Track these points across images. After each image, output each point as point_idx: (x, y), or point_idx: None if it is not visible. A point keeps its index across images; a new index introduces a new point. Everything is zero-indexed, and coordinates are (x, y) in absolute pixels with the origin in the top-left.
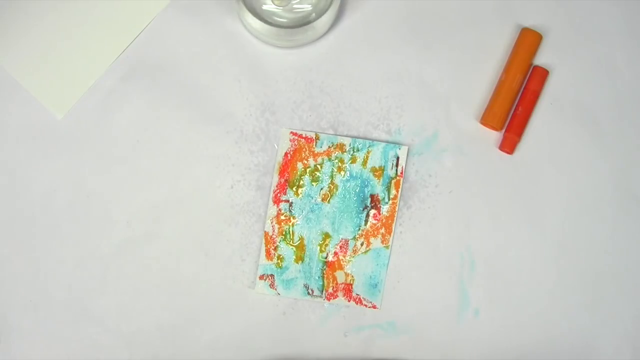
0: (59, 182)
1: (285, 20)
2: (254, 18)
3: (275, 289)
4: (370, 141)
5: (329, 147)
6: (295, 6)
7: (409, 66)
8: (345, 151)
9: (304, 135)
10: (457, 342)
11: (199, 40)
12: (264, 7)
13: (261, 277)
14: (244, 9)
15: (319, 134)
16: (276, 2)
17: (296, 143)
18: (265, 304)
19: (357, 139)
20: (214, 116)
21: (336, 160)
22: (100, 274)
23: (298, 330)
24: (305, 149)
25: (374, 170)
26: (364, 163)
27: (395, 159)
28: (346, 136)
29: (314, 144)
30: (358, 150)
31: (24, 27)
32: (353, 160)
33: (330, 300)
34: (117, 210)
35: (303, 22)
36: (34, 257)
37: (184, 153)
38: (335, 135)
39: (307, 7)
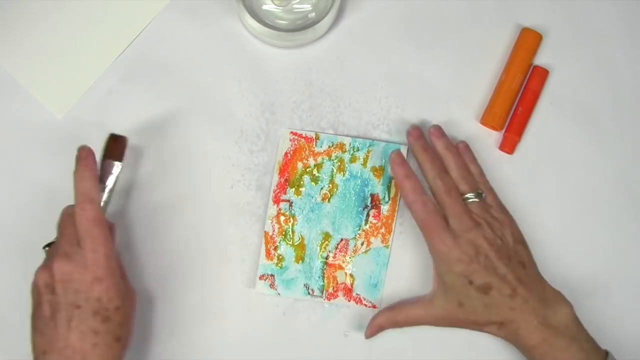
0: (59, 182)
1: (285, 21)
2: (253, 19)
3: (276, 289)
4: (371, 141)
5: (329, 146)
6: (295, 6)
7: (409, 66)
8: (345, 151)
9: (304, 135)
10: (456, 341)
11: (199, 40)
12: (264, 7)
13: (261, 277)
14: (244, 10)
15: (319, 134)
16: (276, 2)
17: (296, 143)
18: (265, 304)
19: (357, 139)
20: (214, 116)
21: (336, 160)
22: None
23: (298, 330)
24: (306, 148)
25: (374, 169)
26: (364, 163)
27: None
28: (346, 136)
29: (314, 143)
30: (358, 150)
31: (24, 27)
32: (353, 159)
33: (331, 300)
34: (116, 209)
35: (303, 23)
36: (34, 257)
37: (183, 153)
38: (336, 135)
39: (307, 7)
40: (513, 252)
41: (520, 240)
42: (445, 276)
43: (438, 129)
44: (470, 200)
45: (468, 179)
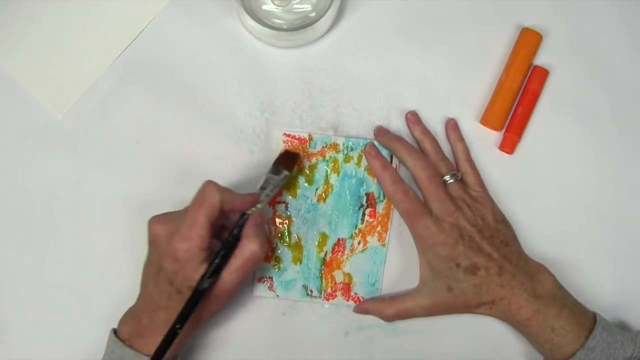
0: (58, 182)
1: (285, 21)
2: (253, 20)
3: (274, 291)
4: (364, 140)
5: (323, 147)
6: (295, 6)
7: (409, 66)
8: (339, 151)
9: (297, 137)
10: (457, 341)
11: (199, 40)
12: (264, 7)
13: (259, 280)
14: (243, 11)
15: (312, 135)
16: (276, 3)
17: (290, 144)
18: (265, 304)
19: (350, 138)
20: (214, 116)
21: (330, 160)
22: (100, 274)
23: (298, 330)
24: (299, 150)
25: (368, 169)
26: (359, 162)
27: (389, 157)
28: (340, 136)
29: (308, 144)
30: (352, 150)
31: (24, 27)
32: (347, 159)
33: (330, 301)
34: (117, 210)
35: (303, 23)
36: (34, 257)
37: (184, 153)
38: (329, 135)
39: (307, 7)
40: (495, 231)
41: (501, 218)
42: (432, 262)
43: (414, 114)
44: (448, 182)
45: (445, 162)
